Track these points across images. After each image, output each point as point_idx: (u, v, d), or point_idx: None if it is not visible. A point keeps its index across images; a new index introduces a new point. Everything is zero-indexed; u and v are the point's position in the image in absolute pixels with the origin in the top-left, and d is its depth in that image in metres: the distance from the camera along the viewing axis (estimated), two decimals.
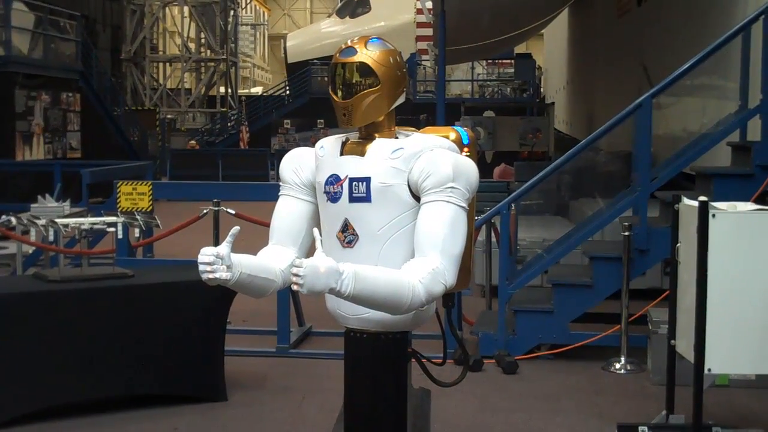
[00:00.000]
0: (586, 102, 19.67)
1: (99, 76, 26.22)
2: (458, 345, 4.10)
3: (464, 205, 3.47)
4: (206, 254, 3.29)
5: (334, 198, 3.58)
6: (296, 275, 3.14)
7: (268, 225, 3.80)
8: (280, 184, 3.80)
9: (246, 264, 3.44)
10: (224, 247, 3.31)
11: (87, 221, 6.90)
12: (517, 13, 15.76)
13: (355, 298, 3.27)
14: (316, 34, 39.36)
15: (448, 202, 3.44)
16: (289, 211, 3.75)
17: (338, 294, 3.22)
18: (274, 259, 3.64)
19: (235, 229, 3.38)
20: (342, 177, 3.56)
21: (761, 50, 7.81)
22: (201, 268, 3.30)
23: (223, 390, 6.81)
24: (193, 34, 41.65)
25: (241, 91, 44.47)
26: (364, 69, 3.53)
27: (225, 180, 24.71)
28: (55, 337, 6.24)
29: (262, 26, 62.39)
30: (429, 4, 20.49)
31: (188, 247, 11.88)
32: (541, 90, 32.23)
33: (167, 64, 42.01)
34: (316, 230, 3.34)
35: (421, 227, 3.44)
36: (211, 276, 3.29)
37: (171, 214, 11.20)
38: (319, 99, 31.41)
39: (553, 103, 24.11)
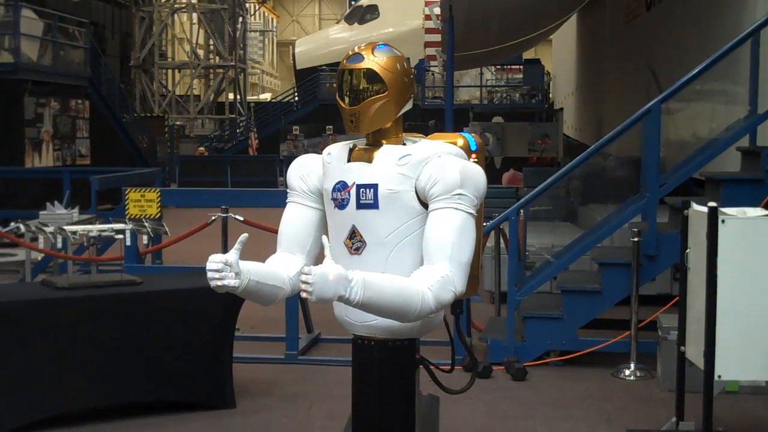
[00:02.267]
0: (595, 107, 19.63)
1: (108, 83, 26.28)
2: (467, 351, 4.08)
3: (472, 211, 3.45)
4: (214, 261, 3.28)
5: (341, 205, 3.57)
6: (305, 283, 3.12)
7: (276, 231, 3.78)
8: (288, 191, 3.79)
9: (254, 271, 3.43)
10: (232, 255, 3.31)
11: (95, 228, 6.91)
12: (525, 18, 15.73)
13: (364, 306, 3.26)
14: (325, 41, 39.41)
15: (456, 209, 3.42)
16: (296, 219, 3.73)
17: (347, 302, 3.21)
18: (283, 267, 3.63)
19: (244, 236, 3.38)
20: (349, 184, 3.55)
21: None
22: (209, 275, 3.29)
23: (232, 397, 6.80)
24: (201, 41, 41.79)
25: (249, 98, 44.56)
26: (371, 75, 3.52)
27: (234, 186, 24.78)
28: (63, 344, 6.24)
29: (271, 33, 62.51)
30: (437, 10, 20.49)
31: (197, 253, 11.91)
32: (550, 95, 32.19)
33: (176, 70, 42.17)
34: (325, 238, 3.33)
35: (429, 235, 3.43)
36: (219, 283, 3.29)
37: (179, 221, 11.22)
38: (328, 105, 31.46)
39: (561, 109, 24.11)
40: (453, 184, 3.41)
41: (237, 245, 3.33)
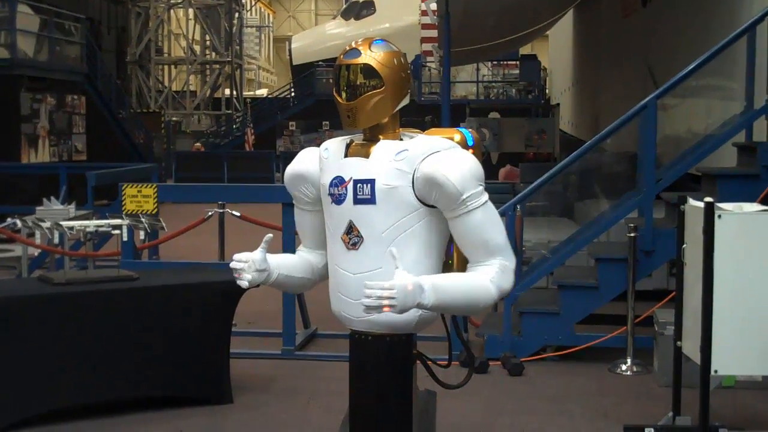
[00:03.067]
0: (592, 103, 19.64)
1: (104, 79, 26.24)
2: (463, 347, 4.09)
3: (484, 198, 3.48)
4: (237, 260, 3.56)
5: (338, 200, 3.57)
6: (389, 298, 3.23)
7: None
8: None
9: (284, 265, 3.73)
10: (258, 253, 3.60)
11: (92, 224, 6.89)
12: (521, 14, 15.73)
13: (436, 308, 3.39)
14: (321, 36, 39.42)
15: (469, 211, 3.46)
16: (308, 222, 3.85)
17: (422, 306, 3.33)
18: (311, 258, 3.83)
19: (269, 236, 3.63)
20: (346, 179, 3.55)
21: (766, 50, 7.80)
22: (234, 274, 3.58)
23: (229, 392, 6.80)
24: (198, 37, 41.72)
25: (246, 93, 44.53)
26: (368, 70, 3.53)
27: (230, 182, 24.74)
28: (60, 339, 6.24)
29: (267, 28, 62.46)
30: (434, 6, 20.49)
31: (193, 249, 11.93)
32: (547, 91, 32.18)
33: (172, 66, 42.12)
34: (394, 249, 3.38)
35: (463, 242, 3.52)
36: (238, 282, 3.59)
37: (176, 217, 11.21)
38: (324, 101, 31.39)
39: (558, 105, 24.11)
40: (455, 194, 3.43)
41: (262, 245, 3.62)
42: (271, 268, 3.67)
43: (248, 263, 3.58)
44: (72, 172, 15.34)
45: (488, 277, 3.47)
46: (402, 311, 3.27)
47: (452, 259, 3.69)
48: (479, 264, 3.50)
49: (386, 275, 3.47)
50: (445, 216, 3.51)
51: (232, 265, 3.59)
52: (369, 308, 3.25)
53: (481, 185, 3.49)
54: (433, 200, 3.48)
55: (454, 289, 3.41)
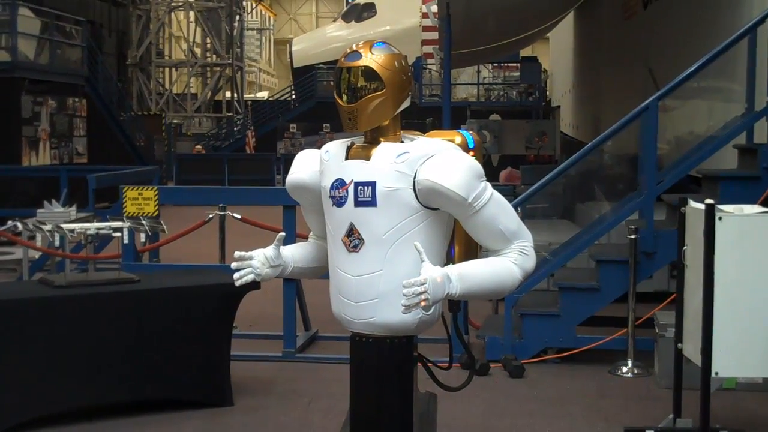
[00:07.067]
0: (592, 105, 19.63)
1: (105, 82, 26.27)
2: (464, 349, 4.09)
3: (489, 193, 3.51)
4: (238, 258, 3.71)
5: (339, 202, 3.57)
6: (423, 293, 3.28)
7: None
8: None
9: (299, 257, 3.89)
10: (271, 250, 3.76)
11: (93, 226, 6.89)
12: (522, 16, 15.73)
13: (465, 296, 3.45)
14: (322, 39, 39.41)
15: (478, 211, 3.48)
16: (315, 220, 3.88)
17: (451, 296, 3.39)
18: (324, 245, 3.83)
19: (281, 234, 3.80)
20: (347, 181, 3.55)
21: (767, 52, 7.80)
22: (234, 275, 3.74)
23: (230, 395, 6.80)
24: (199, 39, 41.80)
25: (246, 96, 44.57)
26: (369, 73, 3.53)
27: (231, 184, 24.76)
28: (60, 342, 6.24)
29: (268, 31, 62.50)
30: (434, 8, 20.48)
31: (194, 251, 11.93)
32: (547, 93, 32.14)
33: (173, 69, 42.18)
34: (417, 244, 3.42)
35: (479, 236, 3.57)
36: (237, 280, 3.72)
37: (177, 219, 11.21)
38: (325, 103, 31.39)
39: (559, 107, 24.09)
40: (461, 201, 3.45)
41: (276, 242, 3.77)
42: (287, 262, 3.82)
43: (262, 260, 3.72)
44: (73, 174, 15.34)
45: (511, 259, 3.53)
46: (435, 302, 3.34)
47: (453, 261, 3.69)
48: (499, 252, 3.55)
49: (387, 277, 3.48)
50: (459, 218, 3.55)
51: (234, 265, 3.71)
52: (408, 307, 3.29)
53: (482, 181, 3.50)
54: (444, 207, 3.51)
55: (480, 275, 3.46)
